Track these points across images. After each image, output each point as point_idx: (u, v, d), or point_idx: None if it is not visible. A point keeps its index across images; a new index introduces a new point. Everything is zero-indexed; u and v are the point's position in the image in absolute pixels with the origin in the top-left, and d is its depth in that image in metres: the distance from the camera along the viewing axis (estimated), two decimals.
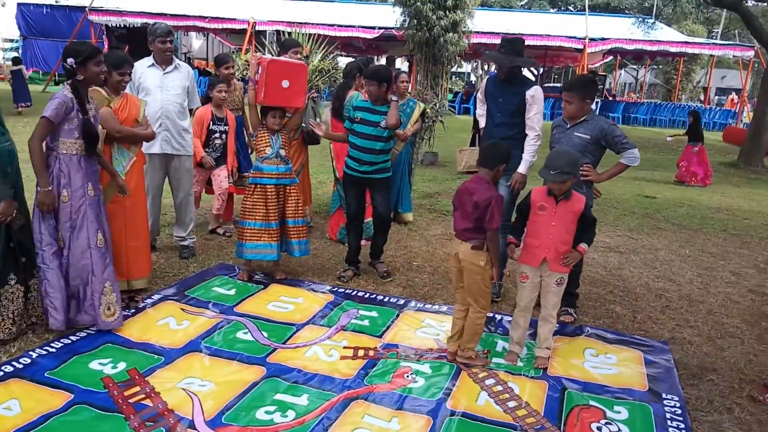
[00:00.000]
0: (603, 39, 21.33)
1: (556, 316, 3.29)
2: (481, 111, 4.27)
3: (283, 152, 4.15)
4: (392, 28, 20.76)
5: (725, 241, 5.96)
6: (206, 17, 22.45)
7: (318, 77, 6.21)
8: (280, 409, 2.70)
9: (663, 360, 3.33)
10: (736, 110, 23.87)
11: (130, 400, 2.70)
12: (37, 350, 3.09)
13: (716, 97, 31.98)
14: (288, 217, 4.20)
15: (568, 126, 3.70)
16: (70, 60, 3.24)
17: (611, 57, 27.25)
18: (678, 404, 2.88)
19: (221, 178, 5.12)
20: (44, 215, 3.21)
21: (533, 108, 3.89)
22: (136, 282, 3.82)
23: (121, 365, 3.01)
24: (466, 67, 40.93)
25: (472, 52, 22.31)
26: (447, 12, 18.33)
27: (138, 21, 22.41)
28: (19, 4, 24.99)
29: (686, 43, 22.31)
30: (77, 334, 3.31)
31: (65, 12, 24.40)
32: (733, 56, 22.75)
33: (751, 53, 21.06)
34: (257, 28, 22.01)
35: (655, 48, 22.02)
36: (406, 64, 30.02)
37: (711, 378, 3.17)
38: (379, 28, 21.86)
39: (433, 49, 19.10)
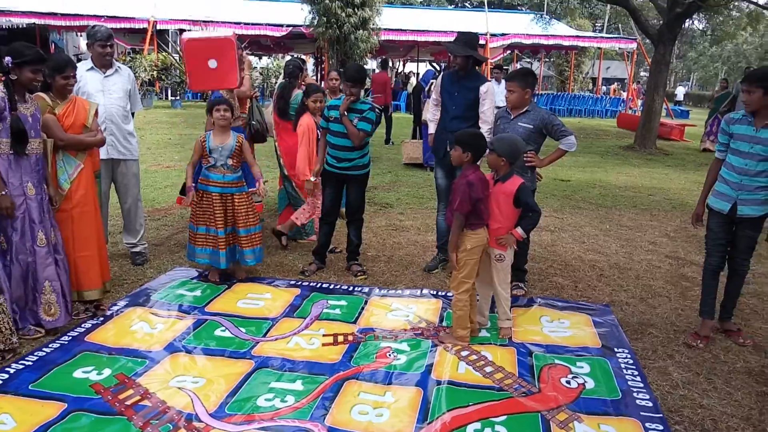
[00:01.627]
0: (503, 34, 22.49)
1: (508, 290, 3.60)
2: (435, 98, 4.53)
3: (230, 161, 4.07)
4: (301, 26, 20.72)
5: (637, 216, 6.63)
6: (102, 16, 21.23)
7: None
8: (279, 396, 2.82)
9: (608, 320, 3.75)
10: (623, 98, 26.00)
11: (127, 403, 2.71)
12: (13, 365, 3.00)
13: (603, 87, 34.56)
14: (239, 226, 4.15)
15: (512, 117, 4.03)
16: (8, 58, 3.17)
17: (509, 51, 28.71)
18: (629, 356, 3.29)
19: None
20: None
21: (486, 102, 4.21)
22: (87, 293, 3.72)
23: (106, 371, 2.98)
24: (372, 65, 41.46)
25: (379, 49, 22.72)
26: (356, 9, 18.61)
27: (25, 21, 20.85)
28: None
29: (578, 36, 24.00)
30: (49, 345, 3.23)
31: None
32: (619, 48, 24.75)
33: (634, 45, 23.03)
34: (158, 27, 21.18)
35: (550, 42, 23.49)
36: (312, 61, 29.99)
37: (651, 332, 3.62)
38: (288, 26, 21.69)
39: (344, 46, 19.35)
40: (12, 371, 2.95)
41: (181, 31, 20.74)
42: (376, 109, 4.37)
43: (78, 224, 3.63)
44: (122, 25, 20.82)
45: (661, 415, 2.71)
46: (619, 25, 35.76)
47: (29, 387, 2.82)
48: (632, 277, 4.59)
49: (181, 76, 19.62)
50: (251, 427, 2.56)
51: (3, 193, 3.15)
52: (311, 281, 4.34)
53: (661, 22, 12.26)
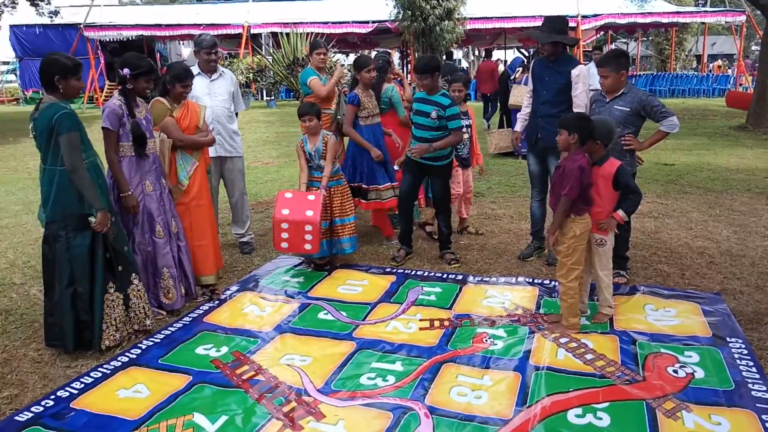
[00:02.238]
0: (595, 15, 21.52)
1: (610, 276, 3.51)
2: (529, 89, 4.50)
3: (322, 161, 4.29)
4: (386, 21, 20.96)
5: (751, 200, 6.19)
6: (201, 24, 22.55)
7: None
8: (380, 375, 2.95)
9: (719, 309, 3.57)
10: (730, 75, 24.07)
11: (243, 377, 2.95)
12: (144, 341, 3.34)
13: (710, 64, 32.18)
14: (335, 217, 4.39)
15: (608, 100, 3.91)
16: (126, 70, 3.49)
17: (603, 33, 27.41)
18: (743, 346, 3.12)
19: (470, 179, 5.22)
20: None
21: (578, 86, 4.14)
22: (204, 278, 4.07)
23: (224, 349, 3.25)
24: (457, 54, 41.04)
25: (465, 38, 22.47)
26: (440, 1, 18.54)
27: (133, 33, 22.55)
28: (11, 26, 25.02)
29: (678, 12, 22.50)
30: (173, 325, 3.56)
31: (58, 30, 24.40)
32: (725, 22, 22.91)
33: (743, 18, 21.28)
34: (252, 31, 22.16)
35: (647, 20, 22.22)
36: (397, 55, 30.17)
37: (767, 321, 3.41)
38: (373, 21, 21.98)
39: (430, 38, 19.36)
40: (143, 347, 3.28)
41: (273, 34, 21.66)
42: (455, 105, 4.37)
43: (195, 216, 3.96)
44: (219, 32, 21.93)
45: None
46: None
47: (158, 361, 3.13)
48: (746, 264, 4.32)
49: (275, 77, 20.46)
50: (355, 403, 2.71)
51: (129, 193, 3.50)
52: (405, 269, 4.44)
53: None
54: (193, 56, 31.26)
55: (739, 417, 2.52)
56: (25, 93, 26.24)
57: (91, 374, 3.01)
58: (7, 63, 32.46)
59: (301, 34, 19.76)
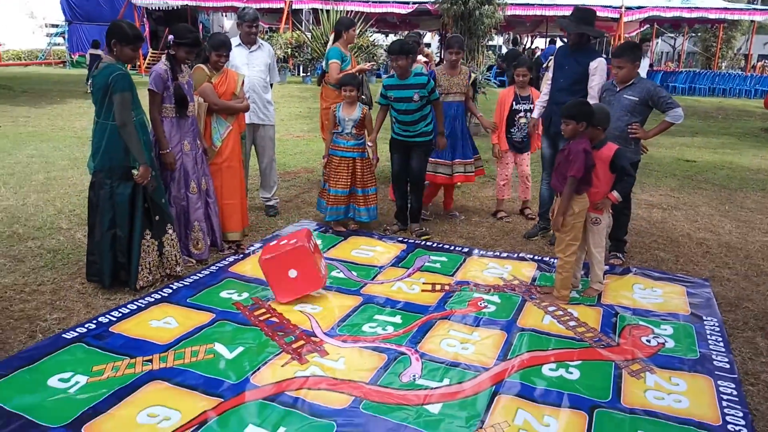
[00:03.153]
0: (639, 7, 21.16)
1: (604, 257, 3.77)
2: (549, 75, 4.74)
3: (354, 130, 4.63)
4: (426, 2, 20.99)
5: (764, 198, 6.31)
6: None
7: (358, 54, 6.66)
8: (380, 325, 3.30)
9: (704, 292, 3.81)
10: None
11: (260, 318, 3.33)
12: (175, 284, 3.75)
13: (759, 63, 31.23)
14: (357, 186, 4.74)
15: (618, 89, 4.13)
16: (171, 36, 3.86)
17: (648, 26, 26.88)
18: (717, 324, 3.37)
19: (525, 164, 5.36)
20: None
21: (595, 78, 4.37)
22: (230, 234, 4.47)
23: (245, 294, 3.65)
24: (498, 40, 40.62)
25: (506, 24, 22.36)
26: None
27: (179, 3, 23.07)
28: None
29: (726, 9, 21.94)
30: (202, 272, 3.97)
31: None
32: None
33: None
34: (293, 6, 22.44)
35: (693, 15, 21.71)
36: (437, 37, 30.11)
37: (746, 305, 3.64)
38: (414, 2, 22.03)
39: (468, 22, 19.34)
40: (174, 288, 3.70)
41: (314, 10, 21.94)
42: (428, 77, 4.64)
43: (226, 176, 4.34)
44: (261, 5, 22.24)
45: (735, 376, 2.83)
46: None
47: (187, 300, 3.54)
48: (741, 256, 4.52)
49: (312, 53, 20.77)
50: (356, 345, 3.06)
51: (168, 150, 3.89)
52: (416, 240, 4.76)
53: None
54: (234, 28, 31.68)
55: (697, 380, 2.80)
56: (72, 56, 27.16)
57: (128, 306, 3.44)
58: (56, 26, 33.49)
59: (341, 11, 19.99)
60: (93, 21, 26.11)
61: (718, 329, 3.30)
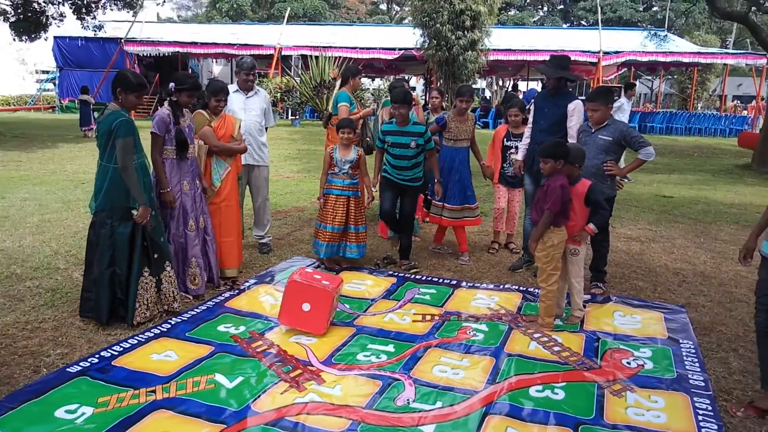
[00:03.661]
0: (617, 52, 22.08)
1: (583, 286, 3.98)
2: (530, 119, 5.02)
3: (351, 171, 4.85)
4: (412, 49, 21.75)
5: (737, 231, 6.59)
6: (234, 44, 23.57)
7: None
8: (374, 354, 3.44)
9: (680, 318, 4.01)
10: (748, 116, 24.30)
11: (258, 350, 3.46)
12: (173, 319, 3.88)
13: (731, 104, 32.38)
14: (350, 224, 4.94)
15: (593, 130, 4.40)
16: (172, 84, 4.09)
17: (625, 69, 27.92)
18: (692, 347, 3.56)
19: (516, 200, 5.64)
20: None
21: (573, 119, 4.67)
22: (227, 271, 4.61)
23: (242, 328, 3.78)
24: (481, 83, 41.78)
25: (489, 68, 23.14)
26: (465, 32, 19.28)
27: (170, 50, 23.64)
28: (55, 38, 26.28)
29: (699, 53, 22.94)
30: (198, 307, 4.10)
31: (99, 43, 25.62)
32: (746, 64, 23.28)
33: (764, 61, 21.62)
34: (283, 53, 23.07)
35: (668, 59, 22.69)
36: (422, 81, 30.99)
37: (720, 329, 3.84)
38: (399, 49, 22.78)
39: (453, 67, 20.06)
40: (173, 323, 3.82)
41: (303, 56, 22.60)
42: (426, 127, 4.89)
43: (224, 215, 4.52)
44: (251, 52, 22.79)
45: (710, 392, 3.01)
46: (748, 40, 33.45)
47: (186, 334, 3.66)
48: (715, 284, 4.74)
49: (301, 97, 21.26)
50: (352, 373, 3.20)
51: (168, 190, 4.08)
52: (405, 273, 4.94)
53: None
54: (224, 73, 32.14)
55: (674, 397, 2.97)
56: (62, 102, 27.49)
57: (129, 341, 3.55)
58: (47, 72, 33.98)
59: (329, 57, 20.61)
60: (84, 67, 26.56)
61: (693, 351, 3.49)
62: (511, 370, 3.25)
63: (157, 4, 27.31)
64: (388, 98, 6.18)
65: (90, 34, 22.40)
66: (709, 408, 2.87)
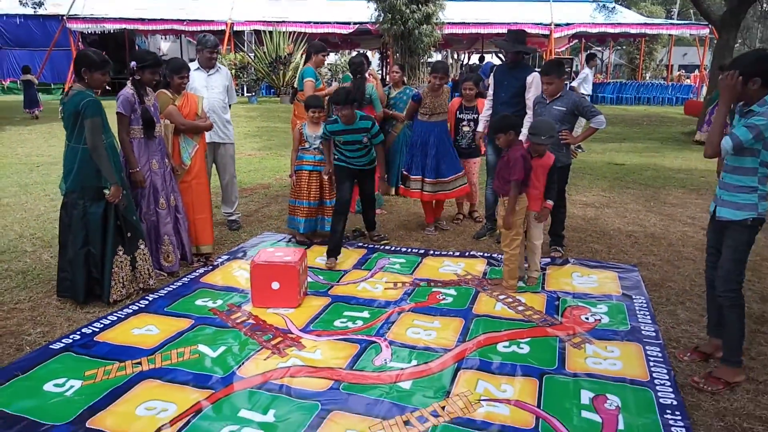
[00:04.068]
0: (568, 24, 22.50)
1: (540, 244, 4.27)
2: (490, 93, 5.19)
3: (321, 145, 4.92)
4: (367, 23, 21.60)
5: (684, 195, 7.00)
6: (184, 20, 22.92)
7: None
8: (350, 320, 3.61)
9: (633, 276, 4.32)
10: (692, 84, 25.27)
11: (237, 321, 3.58)
12: (150, 296, 3.94)
13: (677, 73, 33.55)
14: (326, 198, 5.07)
15: (548, 101, 4.61)
16: (133, 63, 4.09)
17: (576, 41, 28.48)
18: (644, 301, 3.86)
19: (473, 171, 5.63)
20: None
21: (531, 90, 4.86)
22: (203, 247, 4.69)
23: (219, 301, 3.88)
24: (436, 57, 41.80)
25: (444, 42, 23.23)
26: (420, 5, 19.25)
27: (116, 27, 22.81)
28: None
29: (646, 24, 23.62)
30: (174, 284, 4.17)
31: (39, 21, 24.45)
32: (690, 34, 24.11)
33: (706, 31, 22.39)
34: (235, 28, 22.58)
35: (617, 30, 23.28)
36: (378, 55, 30.86)
37: (669, 285, 4.15)
38: (354, 23, 22.59)
39: (408, 41, 20.05)
40: (150, 299, 3.89)
41: (256, 32, 22.18)
42: (373, 120, 4.81)
43: (196, 192, 4.56)
44: (202, 28, 22.20)
45: (660, 341, 3.30)
46: (692, 10, 34.52)
47: (164, 309, 3.74)
48: (664, 244, 5.08)
49: (257, 74, 20.96)
50: (330, 338, 3.36)
51: (137, 169, 4.09)
52: (375, 245, 5.10)
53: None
54: (173, 50, 31.16)
55: (628, 347, 3.25)
56: (2, 82, 26.26)
57: (108, 317, 3.61)
58: None
59: (283, 32, 20.33)
60: (24, 46, 25.36)
61: (645, 305, 3.79)
62: (479, 329, 3.47)
63: None
64: (348, 73, 6.25)
65: (29, 11, 21.43)
66: (660, 355, 3.16)
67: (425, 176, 5.27)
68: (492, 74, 5.32)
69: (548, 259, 4.65)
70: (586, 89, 10.83)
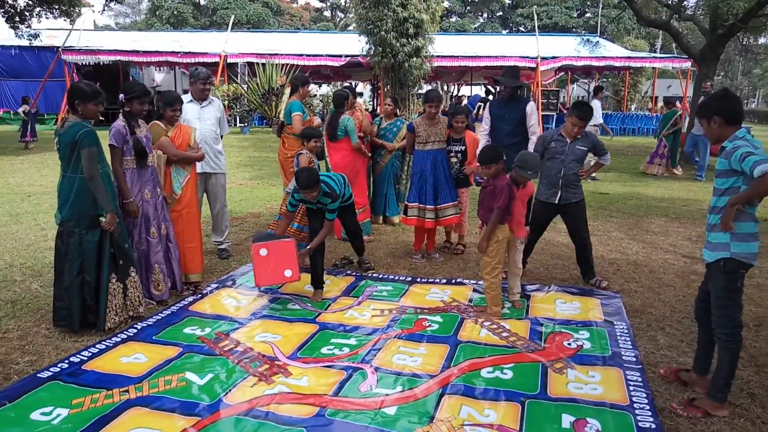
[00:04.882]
0: (554, 57, 23.01)
1: (520, 269, 4.44)
2: (485, 127, 5.42)
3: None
4: (358, 56, 22.03)
5: (666, 223, 7.15)
6: (179, 52, 23.26)
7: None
8: (337, 347, 3.66)
9: (615, 303, 4.40)
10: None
11: (225, 349, 3.62)
12: (139, 324, 3.98)
13: (660, 105, 34.31)
14: (304, 224, 5.14)
15: (569, 141, 4.59)
16: (121, 95, 4.19)
17: (563, 73, 29.12)
18: (625, 327, 3.94)
19: (462, 199, 5.62)
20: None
21: (532, 118, 5.26)
22: (192, 275, 4.73)
23: (207, 329, 3.92)
24: (426, 88, 42.43)
25: (434, 74, 23.67)
26: (409, 39, 19.69)
27: (111, 58, 23.08)
28: None
29: (629, 57, 24.23)
30: (163, 312, 4.21)
31: (35, 53, 24.76)
32: (672, 67, 24.73)
33: (688, 64, 22.95)
34: (228, 60, 22.91)
35: (602, 63, 23.83)
36: (369, 87, 31.35)
37: (650, 311, 4.24)
38: (346, 56, 23.02)
39: (399, 73, 20.45)
40: (139, 327, 3.93)
41: (249, 64, 22.50)
42: (334, 197, 4.58)
43: (186, 221, 4.63)
44: (196, 60, 22.54)
45: (640, 366, 3.37)
46: (673, 44, 35.43)
47: (153, 337, 3.78)
48: (646, 272, 5.19)
49: (249, 105, 21.22)
50: (317, 365, 3.40)
51: (131, 199, 4.17)
52: (362, 273, 5.17)
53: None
54: (165, 81, 31.52)
55: (609, 372, 3.31)
56: None
57: (96, 346, 3.64)
58: None
59: (276, 65, 20.66)
60: (19, 77, 25.59)
61: (626, 331, 3.87)
62: (464, 355, 3.53)
63: (95, 11, 26.64)
64: (332, 107, 6.41)
65: (25, 42, 21.68)
66: (639, 379, 3.23)
67: (426, 204, 5.41)
68: (487, 108, 5.57)
69: (536, 286, 4.75)
70: (596, 119, 10.94)
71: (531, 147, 5.15)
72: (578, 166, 4.67)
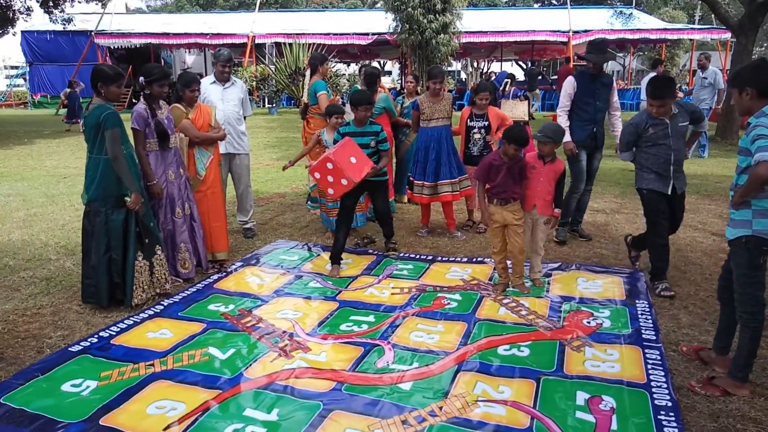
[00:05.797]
0: (586, 31, 22.43)
1: (542, 249, 4.41)
2: (566, 103, 5.23)
3: None
4: (385, 34, 21.86)
5: (697, 200, 6.97)
6: (207, 34, 23.47)
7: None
8: (356, 324, 3.71)
9: (637, 281, 4.34)
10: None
11: (247, 325, 3.71)
12: (165, 301, 4.10)
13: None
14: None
15: (668, 121, 4.02)
16: (141, 78, 4.25)
17: None
18: (647, 306, 3.89)
19: None
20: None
21: (615, 92, 5.27)
22: (218, 254, 4.85)
23: (231, 306, 4.02)
24: (456, 66, 41.90)
25: (462, 51, 23.34)
26: (437, 15, 19.43)
27: (142, 41, 23.43)
28: (23, 32, 25.90)
29: (665, 29, 23.44)
30: (189, 289, 4.33)
31: (69, 37, 25.30)
32: (711, 39, 23.82)
33: (728, 35, 22.11)
34: (256, 41, 23.00)
35: (636, 36, 23.13)
36: (397, 65, 31.09)
37: (674, 289, 4.16)
38: (373, 34, 22.88)
39: (426, 50, 20.24)
40: (165, 304, 4.05)
41: (276, 44, 22.55)
42: (381, 127, 4.84)
43: (211, 201, 4.73)
44: (225, 41, 22.74)
45: (660, 345, 3.33)
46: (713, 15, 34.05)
47: (178, 314, 3.90)
48: (672, 249, 5.04)
49: (277, 85, 21.32)
50: (336, 341, 3.47)
51: (155, 182, 4.26)
52: (384, 252, 5.20)
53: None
54: (197, 63, 31.92)
55: (627, 350, 3.29)
56: (33, 97, 27.13)
57: (125, 321, 3.77)
58: (17, 67, 33.32)
59: (303, 44, 20.67)
60: (54, 62, 26.21)
61: (648, 309, 3.82)
62: (481, 332, 3.55)
63: None
64: (356, 85, 6.38)
65: (59, 27, 22.14)
66: (658, 358, 3.19)
67: (424, 180, 5.46)
68: (568, 85, 5.22)
69: (556, 264, 4.71)
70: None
71: (617, 122, 5.24)
72: (684, 146, 4.22)
